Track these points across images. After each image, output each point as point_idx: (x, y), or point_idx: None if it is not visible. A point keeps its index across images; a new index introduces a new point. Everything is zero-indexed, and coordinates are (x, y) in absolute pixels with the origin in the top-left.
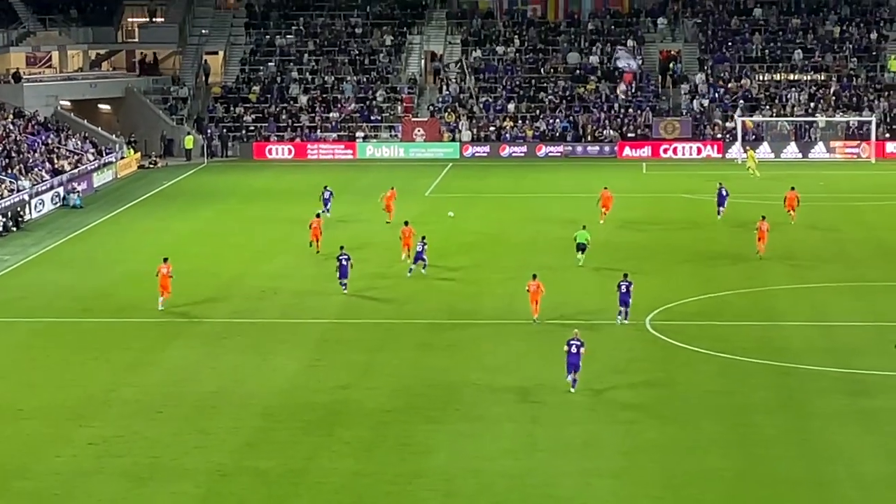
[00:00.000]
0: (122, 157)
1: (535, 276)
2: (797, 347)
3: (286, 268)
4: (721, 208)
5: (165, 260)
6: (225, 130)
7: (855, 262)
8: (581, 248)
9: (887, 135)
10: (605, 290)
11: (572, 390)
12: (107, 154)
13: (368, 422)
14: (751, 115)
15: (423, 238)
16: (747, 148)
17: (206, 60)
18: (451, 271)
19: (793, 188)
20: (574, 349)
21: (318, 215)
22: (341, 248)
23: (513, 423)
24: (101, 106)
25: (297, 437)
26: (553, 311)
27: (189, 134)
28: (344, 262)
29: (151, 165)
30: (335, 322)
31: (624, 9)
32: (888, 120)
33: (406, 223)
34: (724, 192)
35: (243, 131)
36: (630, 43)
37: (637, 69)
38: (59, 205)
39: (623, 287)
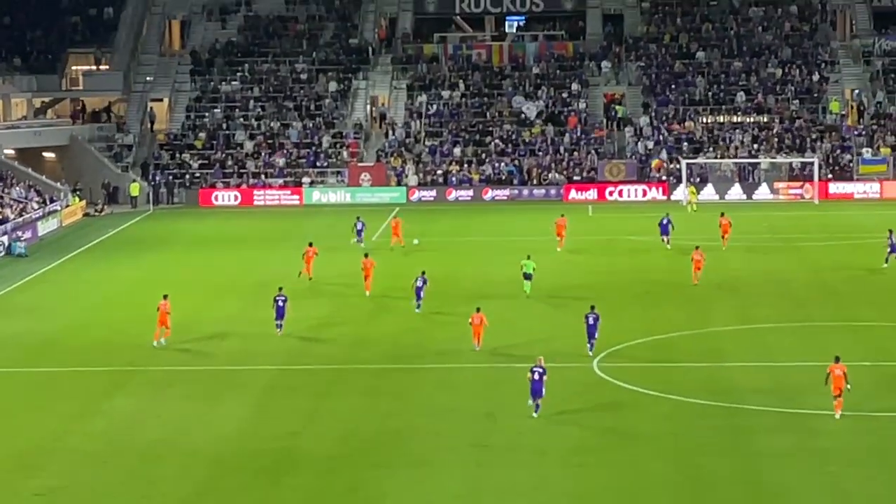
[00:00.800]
0: (68, 206)
1: (478, 309)
2: (744, 388)
3: (233, 314)
4: (666, 237)
5: (165, 297)
6: (171, 177)
7: (800, 303)
8: (527, 276)
9: (830, 176)
10: (551, 335)
11: (534, 415)
12: (52, 202)
13: (317, 468)
14: (694, 158)
15: (423, 273)
16: (689, 183)
17: (151, 107)
18: (399, 315)
19: (723, 214)
20: (537, 376)
21: (310, 244)
22: (280, 289)
23: (461, 468)
24: (45, 154)
25: (245, 485)
26: (501, 354)
27: (134, 181)
28: (281, 304)
29: (97, 213)
30: (282, 368)
31: (568, 53)
32: (831, 161)
33: (366, 255)
34: (665, 221)
35: (189, 178)
36: (576, 86)
37: (537, 112)
38: (3, 254)
39: (591, 319)
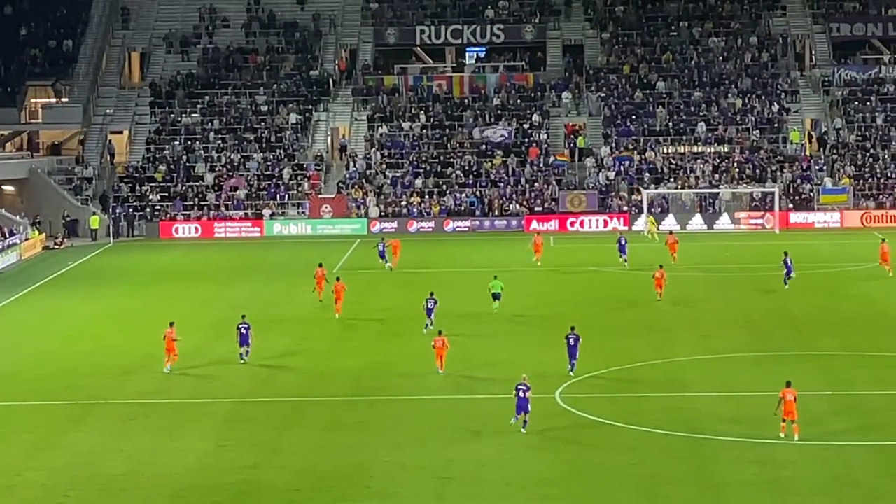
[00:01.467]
0: (27, 239)
1: (440, 333)
2: (707, 418)
3: (194, 347)
4: (623, 256)
5: (171, 324)
6: (131, 210)
7: (762, 332)
8: (496, 297)
9: (790, 205)
10: (513, 367)
11: (522, 431)
12: (11, 235)
13: (278, 502)
14: (656, 188)
15: (433, 294)
16: (649, 213)
17: (110, 140)
18: (361, 346)
19: (671, 232)
20: (521, 393)
21: (320, 265)
22: (243, 316)
23: (424, 500)
24: (4, 187)
25: None
26: (463, 385)
27: (94, 214)
28: (244, 332)
29: (56, 246)
30: (243, 400)
31: (528, 83)
32: (791, 191)
33: (338, 278)
34: (622, 241)
35: (149, 210)
36: (536, 117)
37: (505, 137)
38: None
39: (571, 340)
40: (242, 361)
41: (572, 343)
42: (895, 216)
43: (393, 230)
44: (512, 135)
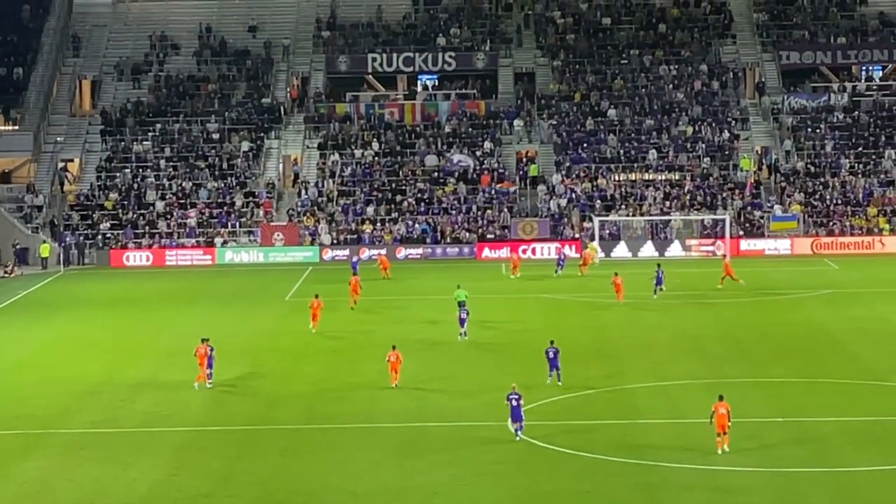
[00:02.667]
0: None
1: (394, 347)
2: (658, 445)
3: (146, 375)
4: (559, 268)
5: (204, 340)
6: (81, 238)
7: (713, 359)
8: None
9: (741, 233)
10: (466, 394)
11: (517, 438)
12: None
13: None
14: (607, 215)
15: (463, 304)
16: (588, 243)
17: (63, 167)
18: (313, 374)
19: (616, 273)
20: (514, 402)
21: (316, 296)
22: (205, 340)
23: None
24: None
25: None
26: (411, 413)
27: (45, 242)
28: (210, 354)
29: (6, 275)
30: (195, 429)
31: (480, 111)
32: (742, 218)
33: (316, 295)
34: (561, 257)
35: (100, 238)
36: (488, 145)
37: (470, 165)
38: None
39: (551, 353)
40: (209, 384)
41: (552, 356)
42: (845, 243)
43: (345, 258)
44: (474, 162)
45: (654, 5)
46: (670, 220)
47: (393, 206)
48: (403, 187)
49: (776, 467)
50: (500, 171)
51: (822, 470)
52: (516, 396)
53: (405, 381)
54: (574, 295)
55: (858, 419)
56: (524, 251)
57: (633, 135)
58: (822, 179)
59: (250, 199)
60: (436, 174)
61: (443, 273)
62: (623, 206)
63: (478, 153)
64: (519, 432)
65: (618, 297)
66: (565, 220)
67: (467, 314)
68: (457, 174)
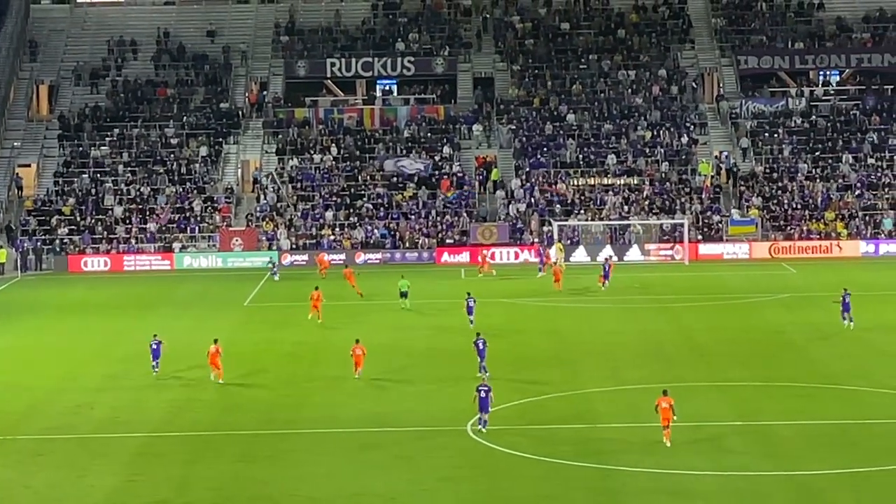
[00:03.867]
0: None
1: (357, 341)
2: (616, 449)
3: (103, 381)
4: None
5: (215, 341)
6: (39, 243)
7: (671, 363)
8: (403, 294)
9: (700, 237)
10: (424, 400)
11: (483, 430)
12: None
13: None
14: (565, 220)
15: (469, 294)
16: (555, 241)
17: (17, 173)
18: (271, 379)
19: (555, 262)
20: (483, 394)
21: (316, 288)
22: (154, 335)
23: None
24: None
25: None
26: (371, 419)
27: (1, 247)
28: (155, 346)
29: None
30: (153, 435)
31: (439, 116)
32: (700, 222)
33: (316, 288)
34: (543, 258)
35: (58, 244)
36: (447, 150)
37: (423, 172)
38: None
39: (482, 392)
40: (155, 372)
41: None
42: (803, 247)
43: (304, 263)
44: (428, 168)
45: (613, 10)
46: (629, 225)
47: (352, 210)
48: (362, 192)
49: (735, 471)
50: (460, 175)
51: (780, 473)
52: (486, 388)
53: (361, 390)
54: (533, 299)
55: (817, 422)
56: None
57: (591, 139)
58: (780, 184)
59: (209, 204)
60: (395, 179)
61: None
62: (582, 211)
63: (436, 158)
64: (484, 425)
65: (556, 285)
66: (524, 224)
67: (475, 302)
68: (416, 179)
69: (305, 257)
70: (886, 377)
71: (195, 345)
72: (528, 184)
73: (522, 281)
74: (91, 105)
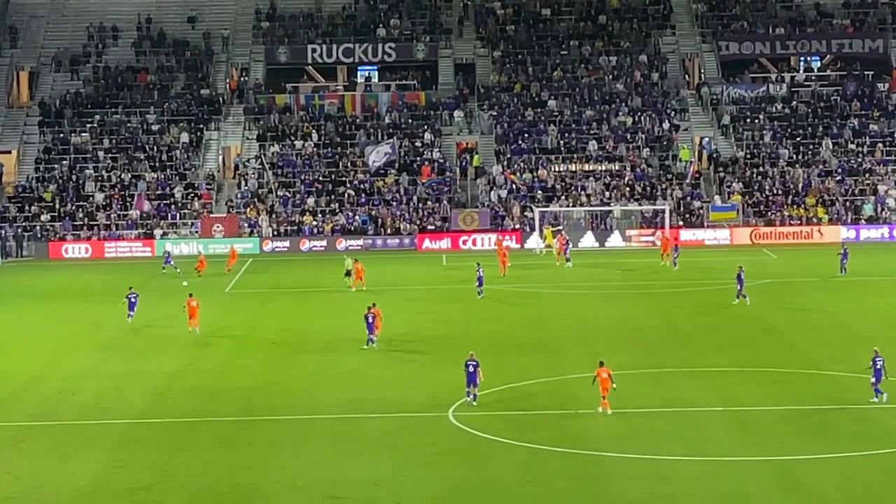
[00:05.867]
0: None
1: (374, 304)
2: (598, 435)
3: (85, 368)
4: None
5: (190, 295)
6: (19, 230)
7: (652, 349)
8: (348, 273)
9: (681, 223)
10: (406, 384)
11: (473, 403)
12: None
13: None
14: (547, 206)
15: (479, 264)
16: (547, 226)
17: None
18: (253, 366)
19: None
20: (471, 368)
21: (356, 260)
22: (130, 287)
23: None
24: None
25: None
26: (350, 405)
27: None
28: (133, 300)
29: None
30: (135, 422)
31: (420, 102)
32: (681, 208)
33: (356, 259)
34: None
35: (39, 230)
36: (428, 136)
37: (388, 159)
38: None
39: (471, 367)
40: (130, 321)
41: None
42: (784, 233)
43: (285, 249)
44: (395, 150)
45: None
46: (611, 211)
47: (333, 197)
48: (343, 178)
49: (716, 456)
50: (441, 161)
51: (761, 459)
52: (474, 363)
53: (344, 376)
54: (514, 285)
55: (797, 408)
56: (464, 242)
57: (573, 125)
58: (761, 169)
59: (190, 190)
60: (373, 163)
61: (383, 264)
62: (563, 197)
63: (417, 144)
64: (473, 399)
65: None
66: (506, 211)
67: (483, 272)
68: (397, 165)
69: (287, 243)
70: (867, 362)
71: (176, 332)
72: (510, 170)
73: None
74: (72, 91)
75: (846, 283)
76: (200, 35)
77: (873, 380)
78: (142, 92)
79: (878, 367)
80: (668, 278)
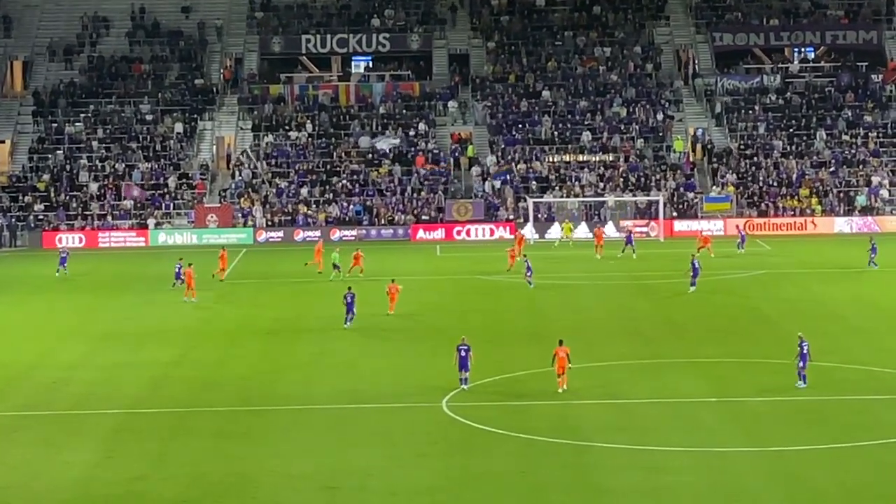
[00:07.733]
0: None
1: (393, 280)
2: (592, 426)
3: (78, 358)
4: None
5: (190, 265)
6: (13, 220)
7: (647, 340)
8: (336, 266)
9: (675, 213)
10: (399, 374)
11: (465, 387)
12: None
13: None
14: (541, 196)
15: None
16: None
17: None
18: (247, 356)
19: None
20: (463, 353)
21: (392, 280)
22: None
23: None
24: None
25: None
26: (347, 396)
27: None
28: (64, 255)
29: None
30: (129, 412)
31: (415, 92)
32: (675, 199)
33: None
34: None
35: (32, 220)
36: (423, 126)
37: (393, 147)
38: None
39: (462, 351)
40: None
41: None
42: (777, 224)
43: (279, 239)
44: (402, 143)
45: None
46: (605, 202)
47: (327, 187)
48: (338, 169)
49: (710, 447)
50: (435, 152)
51: (755, 450)
52: (465, 347)
53: (337, 366)
54: (509, 276)
55: (792, 399)
56: (458, 232)
57: (567, 116)
58: (754, 160)
59: (184, 180)
60: (370, 155)
61: (377, 255)
62: (557, 188)
63: (411, 134)
64: (465, 383)
65: (511, 262)
66: (500, 201)
67: (529, 262)
68: (392, 155)
69: (280, 233)
70: (860, 353)
71: (170, 322)
72: (504, 160)
73: (496, 258)
74: (66, 81)
75: (841, 275)
76: (194, 25)
77: (800, 364)
78: (136, 82)
79: (805, 351)
80: (662, 269)
